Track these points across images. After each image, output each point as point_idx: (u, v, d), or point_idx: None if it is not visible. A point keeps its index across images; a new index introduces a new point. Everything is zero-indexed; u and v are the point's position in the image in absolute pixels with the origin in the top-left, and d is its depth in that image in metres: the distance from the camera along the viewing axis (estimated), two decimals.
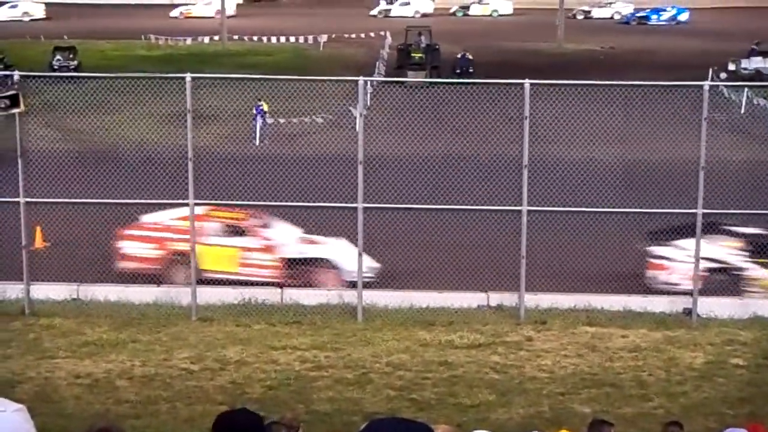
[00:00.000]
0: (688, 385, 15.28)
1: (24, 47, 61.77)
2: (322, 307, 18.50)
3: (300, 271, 19.93)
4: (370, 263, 19.16)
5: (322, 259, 20.18)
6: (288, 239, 20.51)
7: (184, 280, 18.97)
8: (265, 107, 35.72)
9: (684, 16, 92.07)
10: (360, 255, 18.16)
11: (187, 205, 18.46)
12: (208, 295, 18.59)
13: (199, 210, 19.12)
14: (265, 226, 20.73)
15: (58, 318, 17.87)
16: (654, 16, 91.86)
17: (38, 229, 21.33)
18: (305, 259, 20.14)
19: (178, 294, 18.62)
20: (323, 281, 19.87)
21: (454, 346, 16.77)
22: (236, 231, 20.45)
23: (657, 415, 14.05)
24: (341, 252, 20.11)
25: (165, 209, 20.31)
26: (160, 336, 17.11)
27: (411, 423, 3.00)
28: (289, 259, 20.09)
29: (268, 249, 20.20)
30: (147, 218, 20.59)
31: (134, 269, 19.98)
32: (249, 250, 20.23)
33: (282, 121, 36.30)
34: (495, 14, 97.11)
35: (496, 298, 18.83)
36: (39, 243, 21.48)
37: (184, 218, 19.25)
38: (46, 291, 18.77)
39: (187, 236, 18.79)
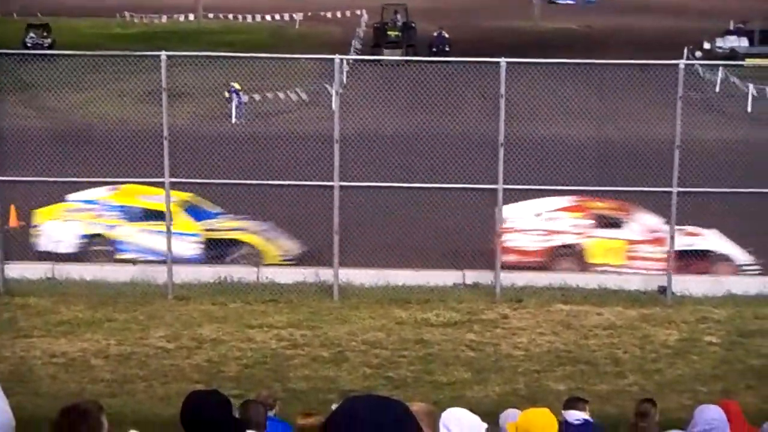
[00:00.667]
0: (662, 363, 15.39)
1: None
2: (298, 286, 18.50)
3: (690, 262, 19.13)
4: (746, 255, 18.83)
5: (709, 251, 19.52)
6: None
7: (570, 271, 18.94)
8: (237, 86, 35.58)
9: None
10: (336, 234, 18.14)
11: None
12: (184, 273, 18.55)
13: (566, 201, 19.18)
14: (632, 215, 20.00)
15: (33, 297, 17.80)
16: None
17: (12, 208, 21.21)
18: (693, 251, 19.30)
19: (154, 273, 18.57)
20: (717, 272, 19.20)
21: (430, 324, 16.81)
22: (613, 222, 19.71)
23: (631, 392, 14.15)
24: (722, 242, 19.67)
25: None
26: (136, 315, 17.09)
27: (386, 401, 2.99)
28: (678, 252, 18.92)
29: (657, 241, 19.23)
30: (509, 210, 19.45)
31: (516, 262, 19.26)
32: (636, 242, 19.49)
33: (257, 97, 36.19)
34: None
35: (471, 276, 18.88)
36: (14, 222, 21.36)
37: (566, 209, 19.34)
38: (22, 270, 18.71)
39: (571, 228, 18.94)
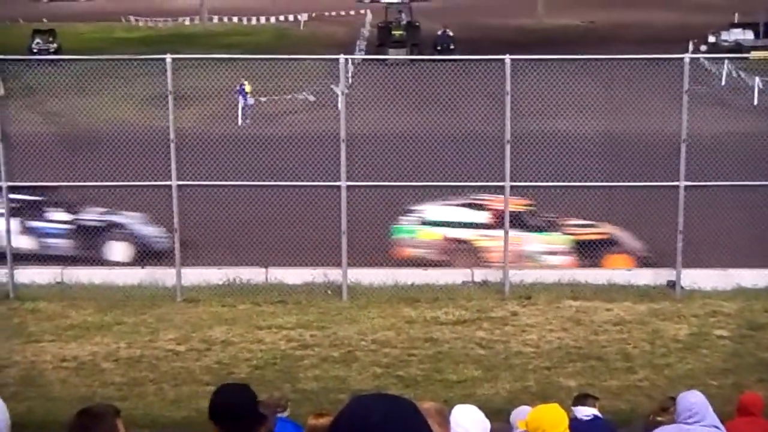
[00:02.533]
0: (672, 357, 15.36)
1: (2, 31, 61.36)
2: (307, 286, 18.50)
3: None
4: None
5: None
6: None
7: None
8: (248, 88, 35.63)
9: None
10: (344, 234, 18.12)
11: None
12: (193, 276, 18.56)
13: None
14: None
15: (42, 302, 17.83)
16: None
17: None
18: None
19: (163, 275, 18.58)
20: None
21: (440, 322, 16.80)
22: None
23: (642, 387, 14.14)
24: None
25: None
26: (146, 318, 17.10)
27: (395, 399, 3.00)
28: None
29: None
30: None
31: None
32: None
33: (264, 99, 36.23)
34: None
35: (480, 273, 18.87)
36: None
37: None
38: (31, 275, 18.74)
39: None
